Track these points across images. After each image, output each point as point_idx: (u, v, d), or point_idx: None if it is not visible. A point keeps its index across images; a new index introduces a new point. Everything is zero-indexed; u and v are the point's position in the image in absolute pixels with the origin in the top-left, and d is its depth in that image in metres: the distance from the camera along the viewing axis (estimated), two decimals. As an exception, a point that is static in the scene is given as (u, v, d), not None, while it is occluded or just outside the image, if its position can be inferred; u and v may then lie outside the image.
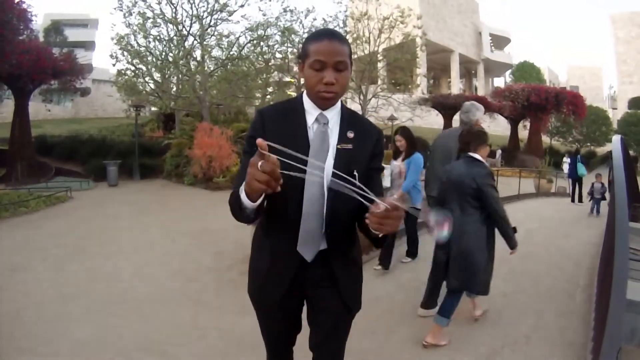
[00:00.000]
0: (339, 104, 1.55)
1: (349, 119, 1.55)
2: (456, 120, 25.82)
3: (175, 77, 17.04)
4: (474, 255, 3.15)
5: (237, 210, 1.38)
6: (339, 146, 1.49)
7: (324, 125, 1.50)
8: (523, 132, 27.75)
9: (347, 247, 1.63)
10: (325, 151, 1.47)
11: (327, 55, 1.39)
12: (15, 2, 13.28)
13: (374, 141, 1.57)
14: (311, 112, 1.51)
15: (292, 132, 1.48)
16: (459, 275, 3.19)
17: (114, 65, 15.57)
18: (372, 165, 1.56)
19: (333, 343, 1.69)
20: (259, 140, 1.10)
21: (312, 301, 1.68)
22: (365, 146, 1.54)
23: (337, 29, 17.98)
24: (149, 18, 14.67)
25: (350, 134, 1.51)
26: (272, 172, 1.11)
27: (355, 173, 1.42)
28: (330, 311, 1.63)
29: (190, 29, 15.08)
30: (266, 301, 1.67)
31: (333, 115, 1.52)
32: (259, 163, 1.11)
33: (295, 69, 17.78)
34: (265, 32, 15.38)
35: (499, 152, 24.49)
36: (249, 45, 15.67)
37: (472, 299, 3.71)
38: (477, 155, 3.21)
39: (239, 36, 15.72)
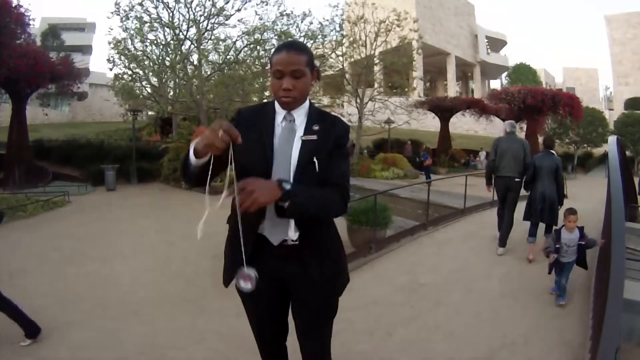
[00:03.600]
0: (306, 104, 1.72)
1: (316, 116, 1.72)
2: (453, 123, 25.99)
3: (173, 82, 17.01)
4: (556, 204, 5.49)
5: (184, 167, 1.55)
6: (303, 137, 1.64)
7: (290, 122, 1.67)
8: (520, 135, 27.78)
9: (319, 233, 1.72)
10: (291, 145, 1.64)
11: (284, 64, 1.57)
12: (13, 6, 13.26)
13: (338, 133, 1.70)
14: (280, 112, 1.69)
15: (260, 126, 1.67)
16: (549, 215, 5.46)
17: (111, 69, 15.55)
18: (335, 151, 1.68)
19: (317, 331, 1.83)
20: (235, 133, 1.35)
21: (292, 292, 1.79)
22: (329, 137, 1.67)
23: (333, 32, 18.02)
24: (146, 22, 14.63)
25: (316, 127, 1.67)
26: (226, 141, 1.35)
27: (314, 160, 1.61)
28: (310, 301, 1.75)
29: (187, 33, 15.07)
30: (227, 284, 1.79)
31: (300, 114, 1.69)
32: (220, 133, 1.33)
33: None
34: (262, 36, 15.36)
35: (482, 153, 24.45)
36: (245, 49, 15.64)
37: (546, 239, 5.41)
38: (553, 151, 5.73)
39: (236, 40, 15.69)
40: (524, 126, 26.57)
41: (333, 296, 1.80)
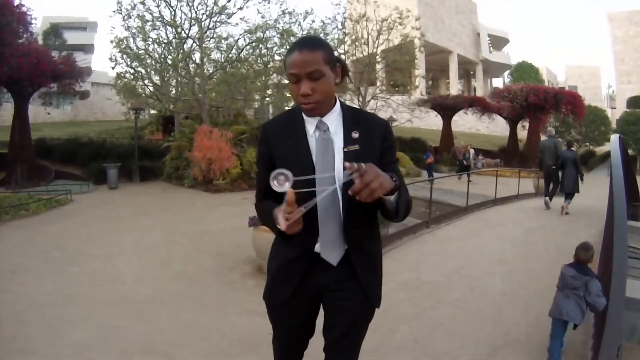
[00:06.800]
0: (337, 106, 1.54)
1: (351, 118, 1.54)
2: (455, 122, 26.07)
3: (175, 80, 17.02)
4: (577, 180, 8.53)
5: (272, 228, 1.51)
6: (345, 149, 1.49)
7: (324, 132, 1.50)
8: (522, 133, 27.75)
9: (368, 245, 1.61)
10: (331, 157, 1.48)
11: (298, 67, 1.40)
12: (15, 5, 13.27)
13: (381, 136, 1.55)
14: (310, 120, 1.52)
15: (294, 143, 1.50)
16: (572, 187, 8.54)
17: (113, 68, 15.61)
18: (384, 160, 1.53)
19: (349, 342, 1.66)
20: (289, 195, 1.26)
21: (330, 302, 1.64)
22: (372, 143, 1.52)
23: (335, 31, 17.97)
24: (148, 21, 14.64)
25: (355, 134, 1.51)
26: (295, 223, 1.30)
27: None
28: (350, 310, 1.60)
29: (189, 32, 15.05)
30: (274, 301, 1.68)
31: (333, 119, 1.52)
32: (287, 217, 1.27)
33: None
34: (264, 35, 15.33)
35: (471, 151, 24.31)
36: (247, 47, 15.64)
37: (567, 203, 8.74)
38: (574, 148, 9.64)
39: (238, 39, 15.69)
40: (526, 124, 26.59)
41: (373, 305, 1.67)
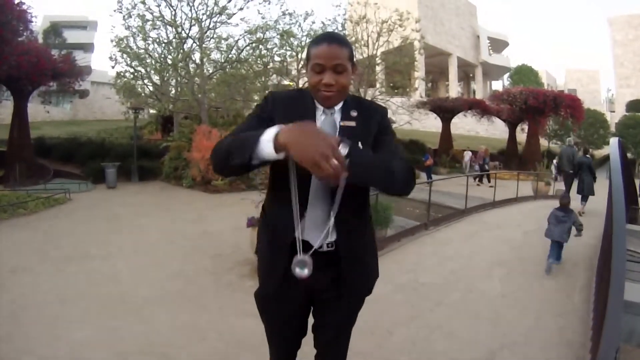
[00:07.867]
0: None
1: (352, 102, 1.62)
2: (454, 124, 26.06)
3: (174, 80, 17.03)
4: (592, 184, 9.45)
5: (235, 151, 1.34)
6: (342, 123, 1.55)
7: (330, 115, 1.57)
8: (521, 135, 27.82)
9: (358, 240, 1.63)
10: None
11: (325, 58, 1.46)
12: (15, 3, 13.27)
13: (378, 118, 1.63)
14: (319, 105, 1.58)
15: (301, 116, 1.47)
16: (588, 190, 9.44)
17: (112, 67, 15.73)
18: (379, 136, 1.60)
19: (340, 340, 1.76)
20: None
21: (320, 300, 1.69)
22: (369, 124, 1.59)
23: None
24: (148, 20, 14.65)
25: (354, 113, 1.58)
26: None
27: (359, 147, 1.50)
28: (340, 310, 1.67)
29: (189, 32, 15.06)
30: (263, 295, 1.71)
31: (339, 105, 1.60)
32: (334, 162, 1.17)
33: (294, 72, 17.80)
34: (264, 35, 15.36)
35: (467, 153, 24.29)
36: (247, 48, 15.65)
37: (583, 205, 9.44)
38: (588, 155, 10.26)
39: (238, 39, 15.70)
40: (526, 127, 26.63)
41: (360, 305, 1.76)
